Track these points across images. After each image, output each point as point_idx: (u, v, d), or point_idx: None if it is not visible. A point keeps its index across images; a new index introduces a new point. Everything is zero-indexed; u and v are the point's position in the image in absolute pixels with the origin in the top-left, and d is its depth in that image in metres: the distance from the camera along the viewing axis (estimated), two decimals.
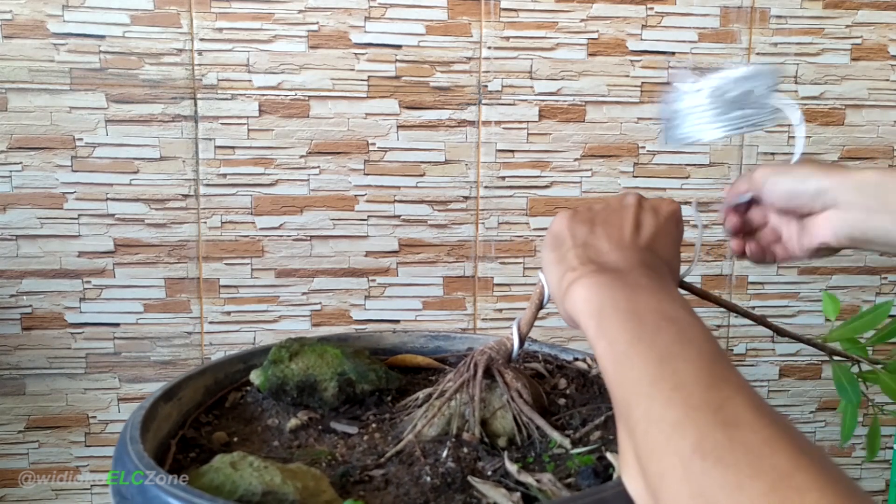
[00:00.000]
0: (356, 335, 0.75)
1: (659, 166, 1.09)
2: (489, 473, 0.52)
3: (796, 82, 1.09)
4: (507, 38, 1.04)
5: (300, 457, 0.54)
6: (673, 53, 1.07)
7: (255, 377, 0.64)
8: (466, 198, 1.07)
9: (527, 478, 0.51)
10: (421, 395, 0.63)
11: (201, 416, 0.61)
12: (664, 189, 1.09)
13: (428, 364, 0.73)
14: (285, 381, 0.63)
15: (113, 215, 1.02)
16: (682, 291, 0.61)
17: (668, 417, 0.34)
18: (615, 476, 0.50)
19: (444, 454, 0.53)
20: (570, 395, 0.64)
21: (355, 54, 1.02)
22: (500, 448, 0.56)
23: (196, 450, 0.55)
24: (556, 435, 0.57)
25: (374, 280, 1.07)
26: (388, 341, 0.75)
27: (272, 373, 0.63)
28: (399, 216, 1.06)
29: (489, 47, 1.04)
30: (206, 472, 0.48)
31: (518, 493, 0.49)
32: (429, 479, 0.50)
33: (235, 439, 0.58)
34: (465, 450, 0.54)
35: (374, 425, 0.60)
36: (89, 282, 1.03)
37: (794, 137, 1.10)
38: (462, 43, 1.04)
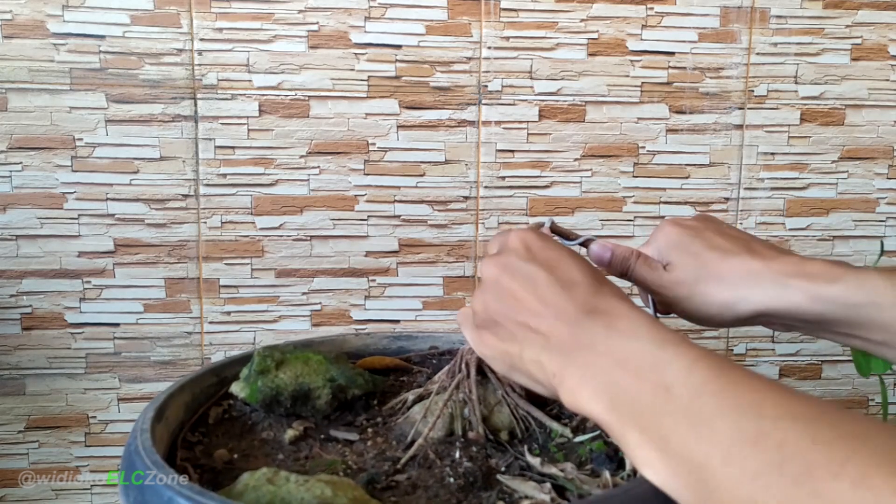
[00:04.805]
0: (319, 340, 0.73)
1: (659, 166, 1.09)
2: (503, 469, 0.52)
3: (796, 82, 1.09)
4: (507, 38, 1.04)
5: (314, 468, 0.53)
6: (673, 53, 1.07)
7: (240, 390, 0.62)
8: (466, 198, 1.07)
9: (550, 469, 0.51)
10: (410, 396, 0.62)
11: (188, 436, 0.59)
12: (664, 189, 1.09)
13: (396, 365, 0.72)
14: (279, 391, 0.61)
15: (113, 215, 1.02)
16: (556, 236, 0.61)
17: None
18: (629, 462, 0.51)
19: (458, 455, 0.53)
20: None
21: (355, 54, 1.02)
22: (504, 442, 0.56)
23: (198, 470, 0.54)
24: (555, 425, 0.57)
25: (374, 280, 1.07)
26: (351, 344, 0.74)
27: (263, 384, 0.61)
28: (399, 216, 1.06)
29: (489, 47, 1.04)
30: (244, 490, 0.45)
31: (548, 485, 0.49)
32: (452, 479, 0.50)
33: (236, 456, 0.56)
34: (474, 448, 0.54)
35: (370, 430, 0.60)
36: (89, 282, 1.03)
37: (794, 137, 1.10)
38: (462, 43, 1.04)
